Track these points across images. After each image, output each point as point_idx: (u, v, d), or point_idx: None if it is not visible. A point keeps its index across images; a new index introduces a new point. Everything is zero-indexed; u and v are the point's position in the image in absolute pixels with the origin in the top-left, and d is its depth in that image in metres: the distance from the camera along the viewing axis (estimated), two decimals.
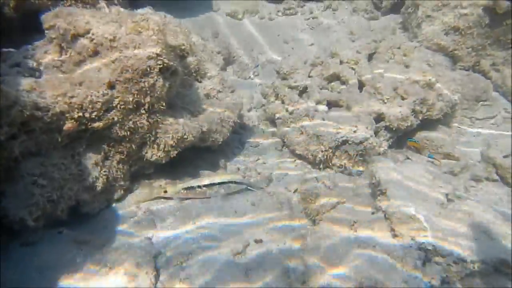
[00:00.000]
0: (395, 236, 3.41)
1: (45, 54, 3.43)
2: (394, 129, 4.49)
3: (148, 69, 3.44)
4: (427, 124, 4.78)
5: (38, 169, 3.16)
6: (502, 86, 5.39)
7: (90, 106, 3.30)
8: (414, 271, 3.17)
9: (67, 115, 3.22)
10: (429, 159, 4.49)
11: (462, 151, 4.60)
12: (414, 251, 3.27)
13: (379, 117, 4.54)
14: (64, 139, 3.32)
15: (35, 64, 3.35)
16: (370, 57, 5.11)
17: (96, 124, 3.41)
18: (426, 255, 3.27)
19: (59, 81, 3.23)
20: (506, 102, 5.30)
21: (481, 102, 5.27)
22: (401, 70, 4.80)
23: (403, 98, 4.54)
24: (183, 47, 4.11)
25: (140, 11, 4.13)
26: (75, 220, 3.59)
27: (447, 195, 3.72)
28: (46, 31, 3.45)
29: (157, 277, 3.25)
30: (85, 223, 3.67)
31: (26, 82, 3.02)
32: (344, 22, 7.01)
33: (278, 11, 7.24)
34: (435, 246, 3.24)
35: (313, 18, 7.15)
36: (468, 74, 5.41)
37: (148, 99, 3.54)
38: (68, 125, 3.24)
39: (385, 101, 4.54)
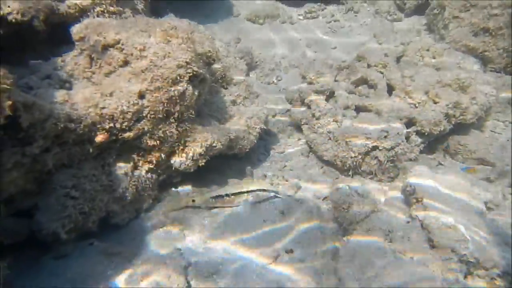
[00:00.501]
0: (433, 247, 3.30)
1: (75, 65, 3.41)
2: (426, 134, 4.37)
3: (178, 78, 3.41)
4: (460, 128, 4.63)
5: (71, 181, 3.14)
6: None
7: (121, 117, 3.27)
8: (456, 284, 3.06)
9: (98, 126, 3.20)
10: (462, 171, 4.32)
11: (497, 156, 4.44)
12: (455, 263, 3.16)
13: (410, 122, 4.42)
14: (95, 150, 3.29)
15: (65, 75, 3.33)
16: (398, 60, 4.99)
17: (126, 134, 3.38)
18: (468, 267, 3.15)
19: (90, 92, 3.21)
20: None
21: None
22: (432, 73, 4.67)
23: (435, 102, 4.41)
24: (209, 54, 4.07)
25: (166, 18, 4.09)
26: (104, 231, 3.56)
27: (486, 203, 3.59)
28: (76, 43, 3.44)
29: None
30: (115, 234, 3.64)
31: (59, 95, 3.01)
32: (367, 24, 6.89)
33: (299, 15, 7.16)
34: (478, 258, 3.11)
35: (334, 21, 7.05)
36: (500, 76, 5.24)
37: (178, 107, 3.50)
38: (100, 136, 3.21)
39: (417, 105, 4.41)
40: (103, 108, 3.19)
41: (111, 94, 3.27)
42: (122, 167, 3.56)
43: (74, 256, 3.33)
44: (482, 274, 3.12)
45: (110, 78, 3.36)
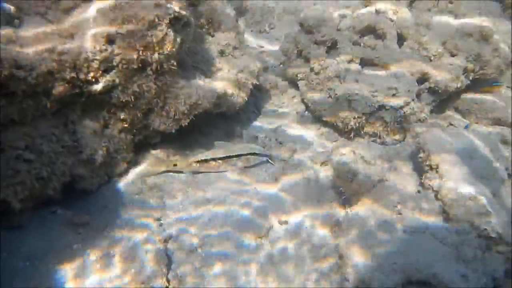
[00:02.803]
0: (448, 220, 2.91)
1: None
2: (439, 91, 3.87)
3: (156, 20, 2.81)
4: (474, 84, 4.13)
5: (23, 141, 2.61)
6: None
7: (85, 65, 2.71)
8: (473, 262, 2.69)
9: (57, 75, 2.61)
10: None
11: None
12: (473, 238, 2.78)
13: (422, 78, 3.91)
14: (54, 105, 2.73)
15: (13, 9, 2.67)
16: (410, 4, 4.35)
17: (93, 88, 2.83)
18: (487, 243, 2.77)
19: (44, 32, 2.60)
20: None
21: None
22: (450, 20, 4.06)
23: (453, 55, 3.87)
24: None
25: None
26: (70, 198, 3.12)
27: (506, 169, 3.19)
28: None
29: (168, 265, 2.83)
30: (83, 201, 3.21)
31: (3, 33, 2.38)
32: None
33: None
34: (500, 233, 2.73)
35: None
36: None
37: (156, 57, 2.96)
38: (59, 88, 2.65)
39: (431, 58, 3.87)
40: (62, 53, 2.60)
41: (71, 36, 2.68)
42: (89, 126, 3.04)
43: (32, 227, 2.91)
44: (503, 250, 2.76)
45: (70, 16, 2.73)
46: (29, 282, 2.54)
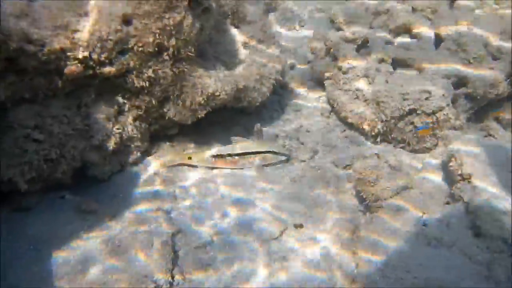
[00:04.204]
0: (479, 235, 2.62)
1: None
2: (478, 97, 3.57)
3: (174, 2, 2.70)
4: None
5: (33, 120, 2.56)
6: None
7: (99, 45, 2.62)
8: (506, 283, 2.40)
9: (69, 54, 2.55)
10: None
11: None
12: (506, 257, 2.49)
13: (459, 82, 3.62)
14: (66, 85, 2.67)
15: None
16: (451, 4, 4.06)
17: (107, 70, 2.75)
18: None
19: (58, 8, 2.54)
20: None
21: None
22: (495, 21, 3.74)
23: (495, 58, 3.55)
24: None
25: None
26: (81, 184, 3.08)
27: None
28: None
29: (175, 260, 2.69)
30: (93, 189, 3.16)
31: (14, 4, 2.33)
32: None
33: None
34: None
35: None
36: None
37: (173, 41, 2.86)
38: (71, 67, 2.58)
39: (471, 60, 3.57)
40: (76, 31, 2.53)
41: (86, 14, 2.60)
42: (103, 110, 2.97)
43: (40, 211, 2.87)
44: None
45: None
46: (30, 266, 2.48)
